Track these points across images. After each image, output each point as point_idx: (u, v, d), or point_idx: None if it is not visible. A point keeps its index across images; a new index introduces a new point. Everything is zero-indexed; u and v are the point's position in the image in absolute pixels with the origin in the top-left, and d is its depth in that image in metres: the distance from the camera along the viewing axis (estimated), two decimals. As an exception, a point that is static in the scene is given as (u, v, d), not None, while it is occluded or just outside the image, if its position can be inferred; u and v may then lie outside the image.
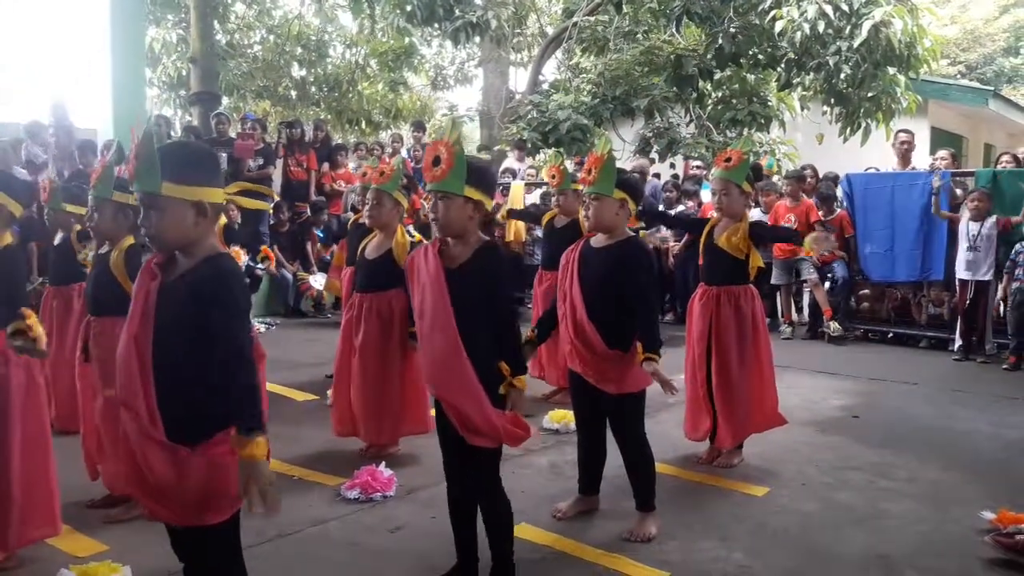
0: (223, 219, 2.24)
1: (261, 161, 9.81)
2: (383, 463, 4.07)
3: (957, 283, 7.48)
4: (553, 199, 5.83)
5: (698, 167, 10.67)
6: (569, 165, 7.53)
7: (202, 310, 2.10)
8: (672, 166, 12.15)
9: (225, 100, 15.45)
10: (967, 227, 7.34)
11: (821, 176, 9.41)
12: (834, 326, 8.12)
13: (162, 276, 2.22)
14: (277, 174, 10.23)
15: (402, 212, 4.60)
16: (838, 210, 8.39)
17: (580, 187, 4.38)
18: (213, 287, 2.13)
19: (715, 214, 4.41)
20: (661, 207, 9.39)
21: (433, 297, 2.76)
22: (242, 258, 8.68)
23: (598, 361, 3.39)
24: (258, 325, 8.24)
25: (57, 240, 4.95)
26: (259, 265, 9.36)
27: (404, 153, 11.71)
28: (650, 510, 3.49)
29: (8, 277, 3.16)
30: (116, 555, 3.15)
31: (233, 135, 10.17)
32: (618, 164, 3.65)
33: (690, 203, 9.33)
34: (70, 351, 4.15)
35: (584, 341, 3.40)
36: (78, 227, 4.81)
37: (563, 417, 4.96)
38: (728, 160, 4.23)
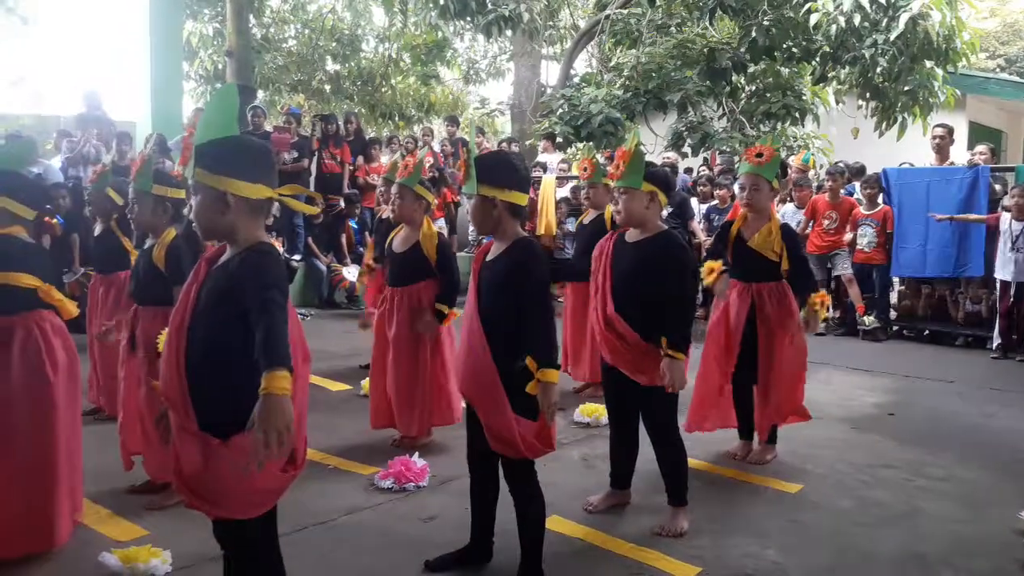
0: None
1: (296, 154, 9.90)
2: (416, 453, 4.12)
3: (998, 284, 7.32)
4: (583, 192, 5.83)
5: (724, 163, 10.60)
6: (600, 159, 7.52)
7: (235, 288, 2.12)
8: (705, 160, 12.08)
9: (260, 94, 15.63)
10: (1009, 226, 7.18)
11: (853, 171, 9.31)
12: (869, 319, 8.05)
13: (208, 270, 2.27)
14: (312, 167, 10.32)
15: (427, 205, 4.58)
16: (881, 204, 8.26)
17: (610, 182, 4.37)
18: (246, 264, 2.16)
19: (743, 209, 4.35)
20: (694, 201, 9.39)
21: (469, 309, 2.83)
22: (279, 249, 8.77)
23: (632, 353, 3.39)
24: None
25: (97, 231, 5.04)
26: (294, 257, 9.46)
27: (436, 147, 11.76)
28: (682, 505, 3.49)
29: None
30: (156, 540, 3.21)
31: (269, 128, 10.28)
32: (650, 158, 3.64)
33: (721, 192, 9.23)
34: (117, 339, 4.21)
35: (615, 333, 3.41)
36: (116, 216, 4.90)
37: (594, 411, 4.98)
38: (760, 156, 4.14)
